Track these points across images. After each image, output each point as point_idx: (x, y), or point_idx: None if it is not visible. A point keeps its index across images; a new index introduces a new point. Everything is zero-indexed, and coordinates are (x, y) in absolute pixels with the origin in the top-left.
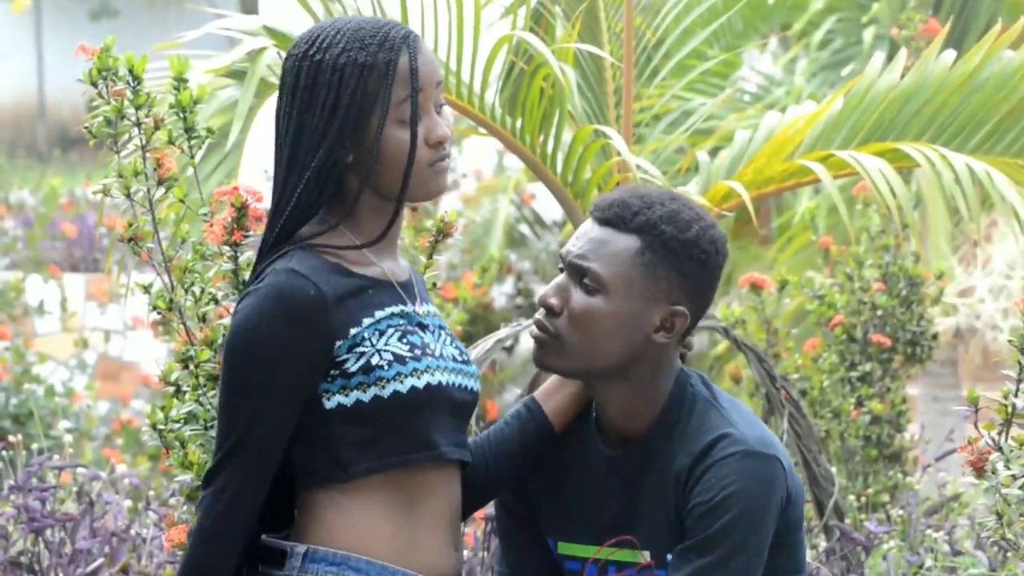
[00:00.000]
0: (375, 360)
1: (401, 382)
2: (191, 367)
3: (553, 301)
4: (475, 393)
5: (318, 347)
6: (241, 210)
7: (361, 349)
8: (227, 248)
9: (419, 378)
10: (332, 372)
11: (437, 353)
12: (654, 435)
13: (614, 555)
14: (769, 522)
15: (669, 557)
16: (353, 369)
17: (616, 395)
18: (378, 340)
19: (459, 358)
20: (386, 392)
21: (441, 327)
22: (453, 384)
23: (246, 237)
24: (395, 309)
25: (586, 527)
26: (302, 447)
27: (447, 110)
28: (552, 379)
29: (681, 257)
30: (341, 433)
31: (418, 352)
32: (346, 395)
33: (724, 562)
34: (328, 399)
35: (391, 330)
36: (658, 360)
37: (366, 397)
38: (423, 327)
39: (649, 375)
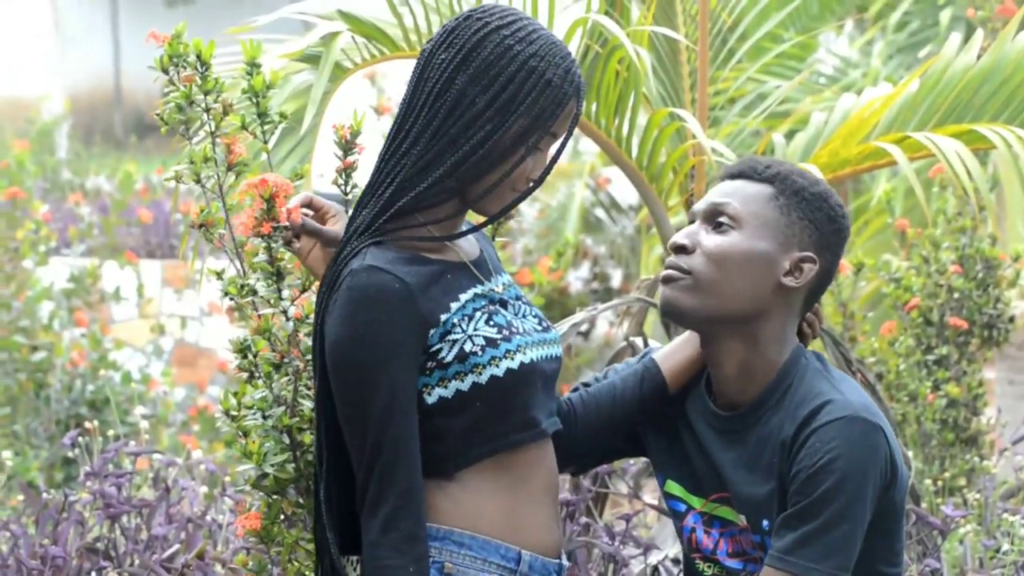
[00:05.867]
0: (468, 347)
1: (496, 366)
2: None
3: (684, 241)
4: (560, 359)
5: (415, 336)
6: (269, 202)
7: (453, 337)
8: (259, 240)
9: (512, 359)
10: (429, 364)
11: (521, 330)
12: (764, 401)
13: (718, 511)
14: (871, 491)
15: (765, 524)
16: (449, 359)
17: (735, 351)
18: (468, 325)
19: (539, 327)
20: (483, 378)
21: (518, 297)
22: (542, 357)
23: (275, 229)
24: (476, 290)
25: (691, 476)
26: None
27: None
28: (671, 343)
29: (813, 206)
30: (444, 426)
31: (506, 332)
32: (445, 387)
33: (827, 528)
34: (428, 394)
35: (477, 313)
36: (781, 318)
37: (465, 386)
38: (504, 304)
39: (770, 332)
